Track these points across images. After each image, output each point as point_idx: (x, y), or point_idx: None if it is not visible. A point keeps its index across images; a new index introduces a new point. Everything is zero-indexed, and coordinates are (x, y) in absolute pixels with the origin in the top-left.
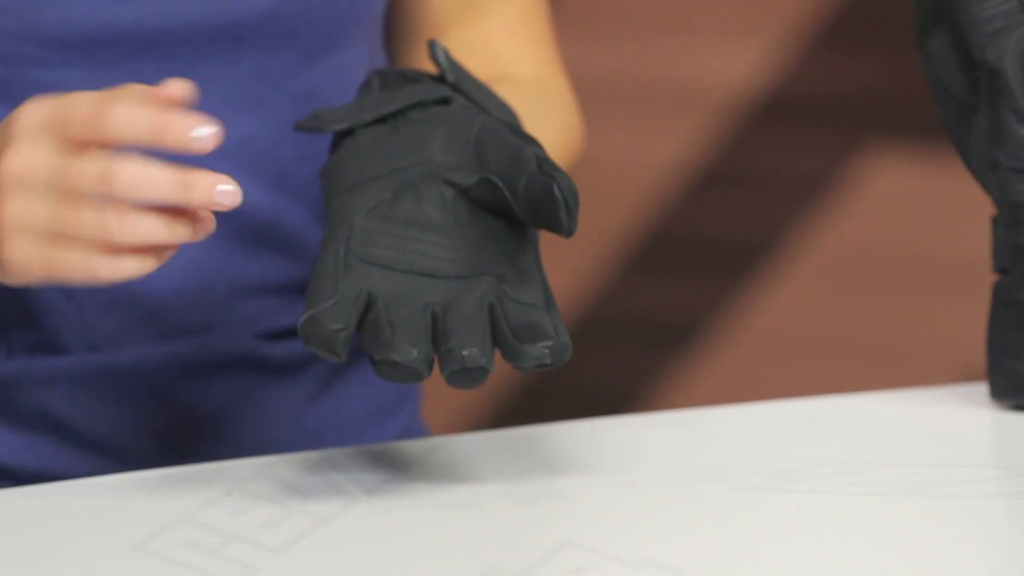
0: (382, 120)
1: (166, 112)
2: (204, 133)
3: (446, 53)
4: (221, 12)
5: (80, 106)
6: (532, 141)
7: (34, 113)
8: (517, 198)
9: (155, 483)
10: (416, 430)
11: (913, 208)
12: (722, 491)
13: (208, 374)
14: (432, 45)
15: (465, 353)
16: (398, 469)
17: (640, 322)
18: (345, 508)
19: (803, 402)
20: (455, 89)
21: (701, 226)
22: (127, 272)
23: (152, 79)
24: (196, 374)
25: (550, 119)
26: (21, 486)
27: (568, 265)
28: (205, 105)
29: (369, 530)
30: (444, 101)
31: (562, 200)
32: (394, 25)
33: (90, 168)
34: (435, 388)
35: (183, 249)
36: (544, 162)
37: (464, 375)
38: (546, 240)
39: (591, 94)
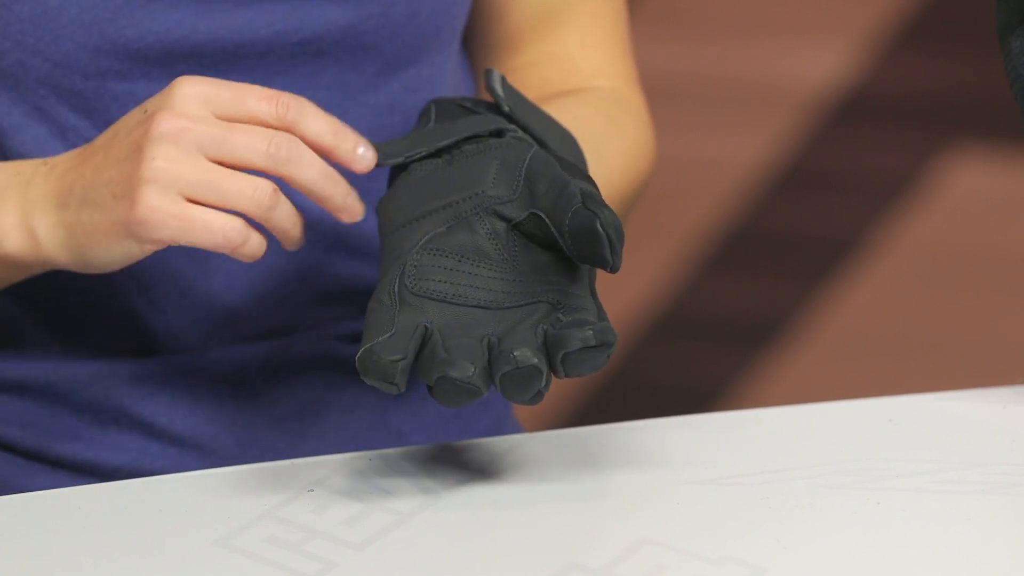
0: (436, 154)
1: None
2: (368, 154)
3: (502, 81)
4: (301, 26)
5: (254, 89)
6: (580, 174)
7: (197, 86)
8: (562, 234)
9: (238, 479)
10: (507, 428)
11: (994, 207)
12: (802, 489)
13: (289, 373)
14: (488, 74)
15: (516, 353)
16: (479, 466)
17: (722, 320)
18: (426, 505)
19: (883, 401)
20: (510, 119)
21: (783, 224)
22: (254, 247)
23: None
24: (278, 373)
25: (619, 136)
26: (106, 481)
27: (651, 263)
28: None
29: (450, 526)
30: (498, 133)
31: (605, 237)
32: (473, 37)
33: (255, 130)
34: None
35: (262, 259)
36: (588, 198)
37: (516, 377)
38: (628, 239)
39: (675, 94)
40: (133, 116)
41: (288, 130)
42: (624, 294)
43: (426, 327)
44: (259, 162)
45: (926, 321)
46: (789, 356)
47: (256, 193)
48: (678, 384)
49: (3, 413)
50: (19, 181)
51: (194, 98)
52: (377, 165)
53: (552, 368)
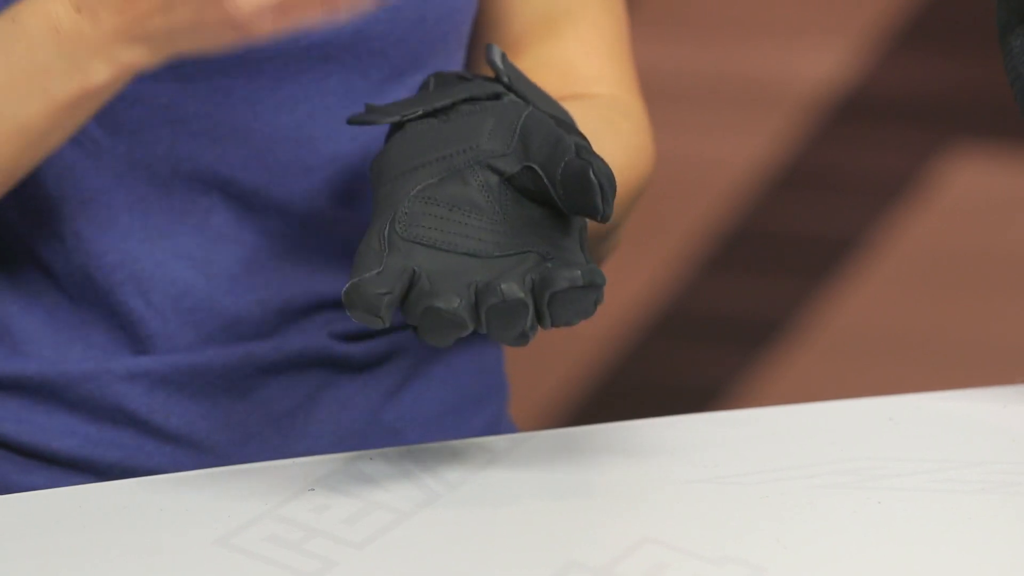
0: (432, 114)
1: None
2: None
3: (503, 56)
4: (309, 31)
5: None
6: (575, 131)
7: None
8: (555, 185)
9: (238, 479)
10: (503, 427)
11: (993, 207)
12: (802, 488)
13: (284, 371)
14: (489, 48)
15: (504, 286)
16: (479, 465)
17: (721, 319)
18: (426, 503)
19: (883, 400)
20: (509, 89)
21: (782, 224)
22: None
23: (239, 95)
24: (272, 371)
25: (619, 138)
26: (101, 478)
27: (650, 262)
28: (293, 122)
29: (450, 525)
30: (495, 97)
31: (597, 184)
32: (472, 43)
33: None
34: (518, 385)
35: (266, 263)
36: (582, 149)
37: (502, 309)
38: (627, 238)
39: (675, 94)
40: None
41: None
42: (624, 294)
43: (414, 270)
44: None
45: (926, 321)
46: (789, 356)
47: None
48: (678, 384)
49: None
50: (63, 39)
51: None
52: (373, 123)
53: (539, 313)
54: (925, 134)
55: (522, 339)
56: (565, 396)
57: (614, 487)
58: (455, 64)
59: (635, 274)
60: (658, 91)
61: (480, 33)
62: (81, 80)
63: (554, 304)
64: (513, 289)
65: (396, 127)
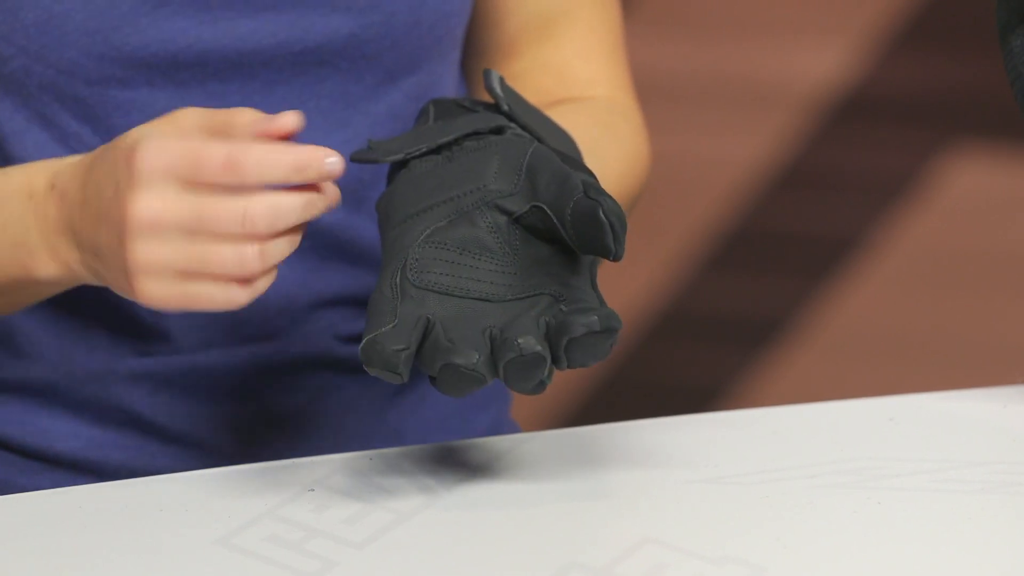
0: (436, 151)
1: (297, 151)
2: (335, 160)
3: (501, 81)
4: (304, 36)
5: (213, 153)
6: (581, 167)
7: (159, 156)
8: (565, 224)
9: (238, 479)
10: (505, 429)
11: (993, 207)
12: (802, 488)
13: (288, 373)
14: (487, 75)
15: (520, 341)
16: (479, 465)
17: (721, 319)
18: (426, 504)
19: (884, 400)
20: (509, 118)
21: (782, 224)
22: (262, 291)
23: (234, 100)
24: (276, 373)
25: (617, 143)
26: (106, 480)
27: (649, 262)
28: None
29: (450, 526)
30: (498, 131)
31: (607, 224)
32: (468, 44)
33: (228, 207)
34: None
35: None
36: (590, 187)
37: (520, 364)
38: (627, 238)
39: (675, 94)
40: (106, 181)
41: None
42: (624, 294)
43: (428, 319)
44: (241, 234)
45: (926, 321)
46: (789, 356)
47: (243, 265)
48: (678, 384)
49: (3, 412)
50: (34, 207)
51: (158, 174)
52: (377, 162)
53: (555, 357)
54: (925, 134)
55: (539, 388)
56: (565, 396)
57: (614, 487)
58: (450, 66)
59: (635, 274)
60: (657, 91)
61: (475, 34)
62: (26, 260)
63: (571, 350)
64: (531, 343)
65: (400, 164)
